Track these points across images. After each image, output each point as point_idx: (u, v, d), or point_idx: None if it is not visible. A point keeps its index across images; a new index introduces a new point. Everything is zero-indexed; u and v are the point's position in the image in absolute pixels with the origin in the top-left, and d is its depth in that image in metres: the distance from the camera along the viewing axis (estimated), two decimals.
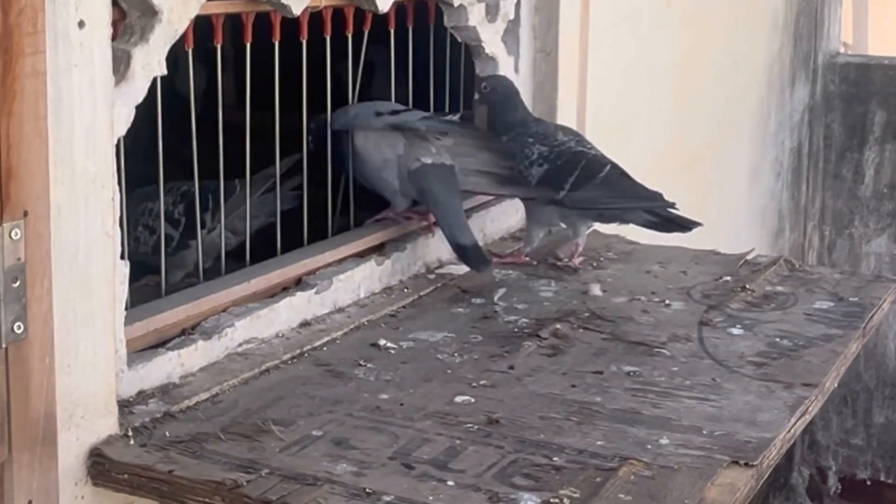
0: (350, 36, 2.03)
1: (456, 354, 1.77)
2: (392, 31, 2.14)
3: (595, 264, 2.28)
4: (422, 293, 2.03)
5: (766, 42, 3.76)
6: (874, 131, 4.35)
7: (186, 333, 1.62)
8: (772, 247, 3.89)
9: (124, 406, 1.46)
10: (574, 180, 2.13)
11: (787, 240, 4.14)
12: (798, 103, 4.13)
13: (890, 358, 4.31)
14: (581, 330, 1.90)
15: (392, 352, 1.77)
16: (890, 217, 4.33)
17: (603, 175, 2.16)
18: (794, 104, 4.08)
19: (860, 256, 4.34)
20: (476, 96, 2.22)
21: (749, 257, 2.37)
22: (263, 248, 1.92)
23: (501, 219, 2.39)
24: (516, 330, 1.89)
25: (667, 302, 2.08)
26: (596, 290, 2.11)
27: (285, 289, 1.82)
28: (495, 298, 2.03)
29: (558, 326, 1.89)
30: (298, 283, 1.85)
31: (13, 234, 1.23)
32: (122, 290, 1.47)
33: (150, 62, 1.51)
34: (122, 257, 1.48)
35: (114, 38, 1.44)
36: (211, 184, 1.87)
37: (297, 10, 1.77)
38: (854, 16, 16.89)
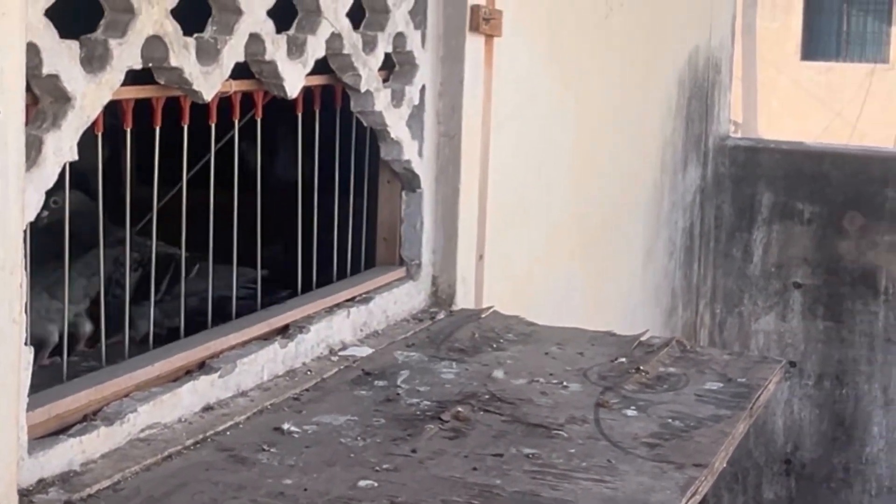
0: (259, 120, 2.11)
1: (359, 438, 1.84)
2: (300, 115, 2.23)
3: (495, 346, 2.38)
4: (325, 375, 2.09)
5: (660, 126, 3.98)
6: (762, 212, 4.62)
7: (89, 419, 1.64)
8: (665, 325, 4.06)
9: (24, 495, 1.48)
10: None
11: (680, 318, 4.33)
12: (690, 184, 4.37)
13: (778, 434, 4.53)
14: (482, 412, 1.99)
15: (296, 436, 1.83)
16: (777, 296, 4.58)
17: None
18: (686, 185, 4.31)
19: (749, 334, 4.56)
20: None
21: (643, 339, 2.51)
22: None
23: (404, 301, 2.47)
24: (419, 413, 1.97)
25: (564, 383, 2.18)
26: (497, 372, 2.21)
27: (188, 372, 1.86)
28: (398, 381, 2.11)
29: (460, 409, 1.97)
30: (202, 367, 1.89)
31: None
32: (26, 377, 1.50)
33: (61, 148, 1.55)
34: (26, 343, 1.50)
35: (25, 124, 1.49)
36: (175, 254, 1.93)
37: (208, 97, 1.85)
38: (744, 96, 17.78)
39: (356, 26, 2.28)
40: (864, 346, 4.59)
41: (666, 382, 2.25)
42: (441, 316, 2.52)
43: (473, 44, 2.58)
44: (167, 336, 1.99)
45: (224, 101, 1.98)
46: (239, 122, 2.05)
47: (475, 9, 2.56)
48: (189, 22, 1.81)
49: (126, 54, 1.63)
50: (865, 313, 4.59)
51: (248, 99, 2.08)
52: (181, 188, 1.99)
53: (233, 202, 2.09)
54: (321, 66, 2.20)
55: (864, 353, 4.59)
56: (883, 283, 4.56)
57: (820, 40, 16.02)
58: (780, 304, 4.59)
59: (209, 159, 2.05)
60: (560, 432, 1.92)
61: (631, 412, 2.05)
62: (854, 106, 15.84)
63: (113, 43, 1.61)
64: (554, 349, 2.41)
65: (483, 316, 2.53)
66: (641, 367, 2.29)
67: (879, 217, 4.54)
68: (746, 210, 4.62)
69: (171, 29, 1.73)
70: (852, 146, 4.97)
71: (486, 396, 2.07)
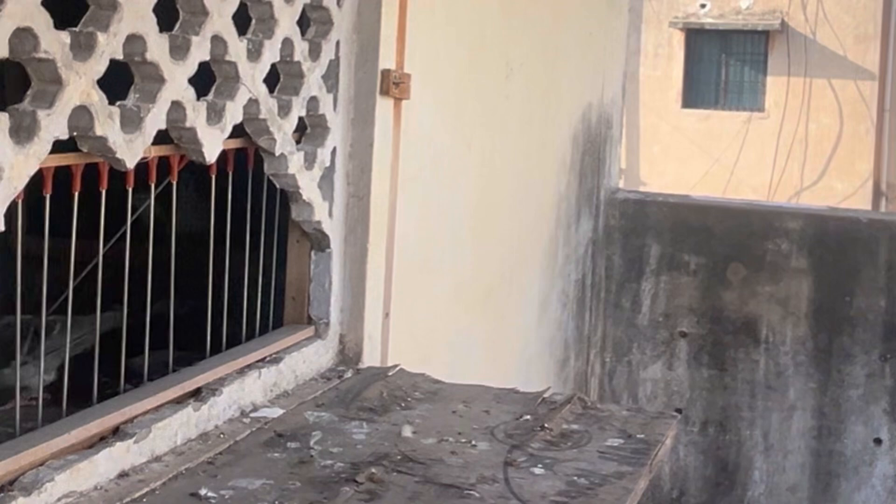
0: (175, 183, 2.15)
1: (277, 502, 1.88)
2: (213, 177, 2.27)
3: (403, 404, 2.45)
4: (237, 438, 2.13)
5: (556, 181, 4.14)
6: (650, 263, 4.83)
7: (6, 490, 1.65)
8: (559, 375, 4.21)
9: None
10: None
11: (573, 368, 4.49)
12: (583, 237, 4.54)
13: (665, 480, 4.71)
14: (395, 473, 2.06)
15: (213, 501, 1.86)
16: (664, 344, 4.79)
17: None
18: (579, 238, 4.48)
19: (638, 382, 4.75)
20: None
21: (546, 395, 2.61)
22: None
23: (312, 360, 2.53)
24: (333, 475, 2.02)
25: (473, 442, 2.27)
26: (407, 431, 2.28)
27: (103, 438, 1.87)
28: (311, 442, 2.15)
29: (374, 471, 2.03)
30: (116, 432, 1.90)
31: None
32: None
33: None
34: None
35: None
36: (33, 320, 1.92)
37: (130, 164, 1.88)
38: (627, 141, 18.31)
39: (271, 89, 2.34)
40: (745, 393, 4.83)
41: (570, 439, 2.36)
42: (349, 374, 2.58)
43: (383, 107, 2.67)
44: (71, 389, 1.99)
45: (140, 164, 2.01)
46: (155, 188, 2.08)
47: (385, 73, 2.65)
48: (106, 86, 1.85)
49: (53, 125, 1.66)
50: (747, 361, 4.83)
51: (163, 161, 2.11)
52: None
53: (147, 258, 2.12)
54: (236, 129, 2.26)
55: (746, 400, 4.83)
56: (763, 332, 4.82)
57: (699, 89, 16.71)
58: (666, 353, 4.80)
59: (125, 217, 2.07)
60: (472, 492, 2.00)
61: (538, 470, 2.14)
62: (732, 152, 16.57)
63: (41, 114, 1.64)
64: (461, 407, 2.49)
65: (390, 374, 2.60)
66: (546, 425, 2.40)
67: (760, 268, 4.80)
68: (636, 261, 4.82)
69: (97, 99, 1.77)
70: (735, 200, 5.24)
71: (398, 457, 2.13)
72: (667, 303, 4.83)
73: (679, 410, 4.84)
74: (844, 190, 16.42)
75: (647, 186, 16.83)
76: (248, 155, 2.39)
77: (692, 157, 16.52)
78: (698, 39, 16.84)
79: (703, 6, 16.93)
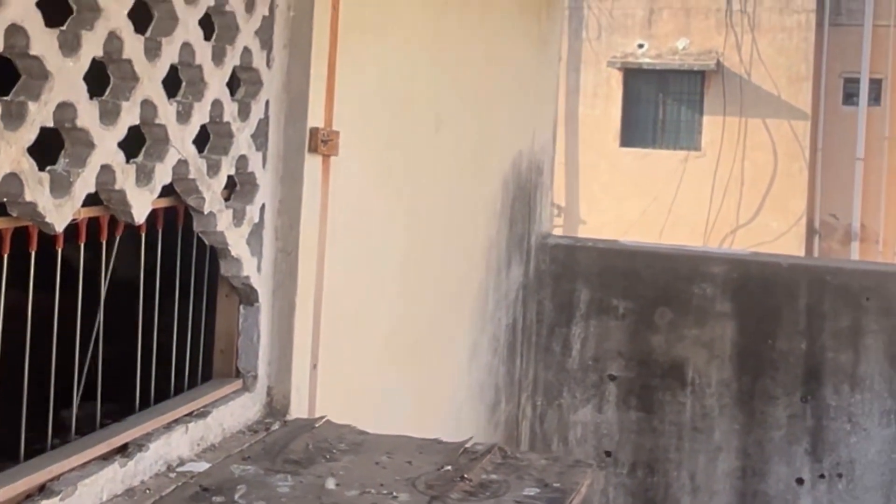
0: (104, 242, 2.22)
1: None
2: (143, 236, 2.35)
3: (328, 456, 2.54)
4: (163, 493, 2.19)
5: (486, 228, 4.27)
6: (580, 307, 4.97)
7: None
8: (489, 420, 4.31)
9: None
10: None
11: (504, 412, 4.59)
12: (514, 282, 4.67)
13: None
14: None
15: None
16: (594, 388, 4.92)
17: None
18: (510, 283, 4.61)
19: (568, 425, 4.87)
20: None
21: (468, 445, 2.71)
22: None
23: (240, 413, 2.60)
24: None
25: (394, 494, 2.35)
26: (330, 483, 2.36)
27: (29, 496, 1.93)
28: (235, 496, 2.23)
29: None
30: (42, 490, 1.96)
31: None
32: None
33: None
34: None
35: None
36: None
37: (59, 228, 1.95)
38: (567, 180, 18.59)
39: (201, 147, 2.43)
40: (673, 435, 4.97)
41: (488, 489, 2.45)
42: (276, 427, 2.66)
43: (312, 164, 2.77)
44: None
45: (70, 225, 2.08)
46: (87, 247, 2.16)
47: (314, 131, 2.76)
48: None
49: None
50: (674, 403, 4.98)
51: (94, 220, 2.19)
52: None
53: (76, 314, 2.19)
54: (166, 188, 2.34)
55: (673, 442, 4.98)
56: (690, 375, 4.98)
57: (637, 128, 17.06)
58: (596, 396, 4.93)
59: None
60: None
61: None
62: (670, 191, 16.92)
63: None
64: (384, 458, 2.58)
65: (316, 426, 2.68)
66: (465, 475, 2.49)
67: (686, 312, 4.97)
68: (566, 306, 4.96)
69: (28, 166, 1.84)
70: (662, 245, 5.41)
71: None
72: (596, 346, 4.97)
73: (608, 453, 4.97)
74: (779, 227, 16.85)
75: (586, 225, 17.12)
76: (178, 213, 2.47)
77: (631, 195, 16.85)
78: (636, 79, 17.23)
79: (640, 46, 17.34)
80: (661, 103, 17.25)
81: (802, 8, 17.00)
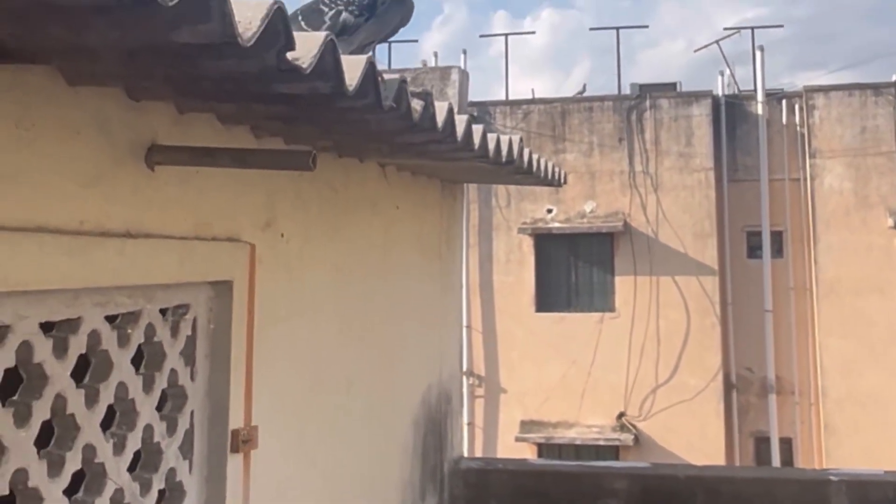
0: None
1: None
2: None
3: None
4: None
5: (399, 470, 4.65)
6: None
7: None
8: None
9: None
10: None
11: None
12: None
13: None
14: None
15: None
16: None
17: None
18: None
19: None
20: None
21: None
22: None
23: None
24: None
25: None
26: None
27: None
28: None
29: None
30: None
31: None
32: None
33: None
34: None
35: None
36: None
37: None
38: (485, 348, 19.02)
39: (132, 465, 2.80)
40: None
41: None
42: None
43: (234, 463, 3.14)
44: None
45: None
46: None
47: (235, 433, 3.15)
48: None
49: None
50: None
51: None
52: None
53: None
54: None
55: None
56: None
57: (552, 292, 17.76)
58: None
59: None
60: None
61: None
62: (587, 353, 17.50)
63: None
64: None
65: None
66: None
67: None
68: None
69: None
70: (568, 463, 5.85)
71: None
72: None
73: None
74: (697, 384, 17.46)
75: (507, 393, 17.55)
76: None
77: (549, 359, 17.39)
78: (547, 244, 18.02)
79: (549, 211, 18.19)
80: (574, 266, 18.02)
81: (701, 166, 18.08)
